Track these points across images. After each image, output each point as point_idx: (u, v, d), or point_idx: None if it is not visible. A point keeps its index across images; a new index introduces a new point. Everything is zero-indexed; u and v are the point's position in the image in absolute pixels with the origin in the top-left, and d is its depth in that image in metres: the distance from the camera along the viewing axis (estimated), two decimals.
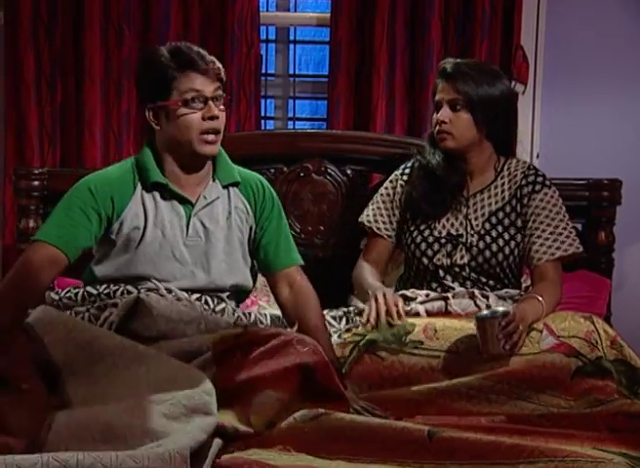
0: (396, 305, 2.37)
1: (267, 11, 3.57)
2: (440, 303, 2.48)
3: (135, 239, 2.37)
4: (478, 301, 2.48)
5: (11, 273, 2.29)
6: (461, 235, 2.59)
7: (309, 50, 4.11)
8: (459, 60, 2.61)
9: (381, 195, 2.73)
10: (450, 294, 2.50)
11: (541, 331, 2.27)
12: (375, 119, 3.32)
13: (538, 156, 3.42)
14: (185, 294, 2.34)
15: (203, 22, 3.33)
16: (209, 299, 2.39)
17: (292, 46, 3.64)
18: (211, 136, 2.34)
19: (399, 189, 2.70)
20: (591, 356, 2.22)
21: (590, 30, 3.37)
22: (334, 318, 2.50)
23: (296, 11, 3.67)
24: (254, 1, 3.33)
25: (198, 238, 2.40)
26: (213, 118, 2.33)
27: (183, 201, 2.40)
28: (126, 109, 3.31)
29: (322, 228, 3.05)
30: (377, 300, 2.39)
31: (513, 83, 3.31)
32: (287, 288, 2.46)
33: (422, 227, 2.63)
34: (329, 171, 3.05)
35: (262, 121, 3.50)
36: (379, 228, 2.70)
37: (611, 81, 3.38)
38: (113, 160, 3.25)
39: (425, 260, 2.61)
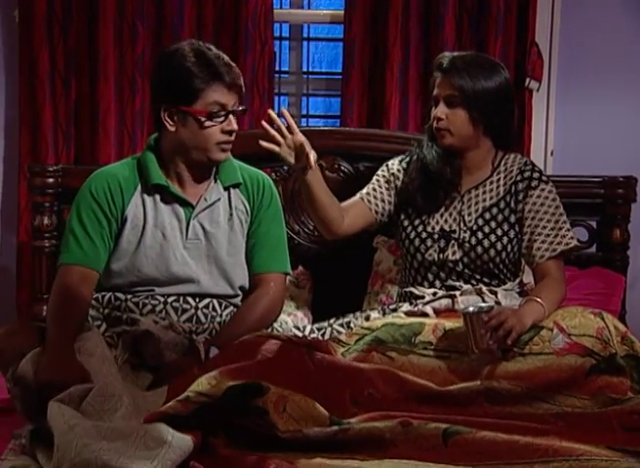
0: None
1: (281, 8, 3.57)
2: (447, 301, 2.48)
3: (133, 241, 2.39)
4: (486, 298, 2.47)
5: (52, 301, 2.32)
6: (454, 231, 2.56)
7: (323, 47, 4.11)
8: (455, 54, 2.58)
9: (377, 176, 2.71)
10: (457, 292, 2.50)
11: (552, 330, 2.25)
12: (388, 116, 3.31)
13: (552, 153, 3.41)
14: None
15: (217, 19, 3.34)
16: (215, 304, 2.41)
17: (305, 43, 3.64)
18: (227, 146, 2.39)
19: (396, 173, 2.67)
20: (604, 353, 2.20)
21: (605, 28, 3.36)
22: (341, 325, 2.51)
23: (309, 8, 3.68)
24: None
25: (198, 240, 2.41)
26: (231, 132, 2.37)
27: (184, 203, 2.41)
28: (140, 106, 3.32)
29: None
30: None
31: (528, 80, 3.31)
32: (257, 289, 2.45)
33: (416, 223, 2.61)
34: (342, 168, 3.05)
35: None
36: (369, 200, 2.66)
37: (626, 78, 3.37)
38: (127, 157, 3.27)
39: (419, 256, 2.59)
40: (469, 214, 2.57)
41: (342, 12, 3.37)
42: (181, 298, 2.39)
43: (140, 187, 2.42)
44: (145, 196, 2.41)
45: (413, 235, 2.60)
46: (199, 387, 1.94)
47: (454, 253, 2.55)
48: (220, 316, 2.41)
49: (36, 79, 3.28)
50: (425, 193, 2.59)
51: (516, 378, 2.18)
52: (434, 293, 2.53)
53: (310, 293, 2.98)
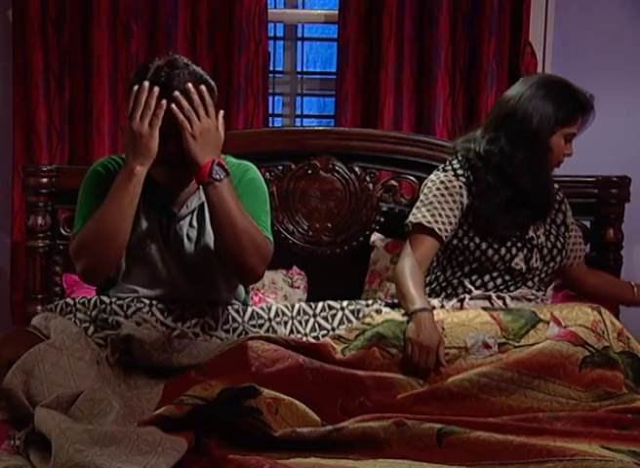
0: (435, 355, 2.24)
1: (275, 8, 3.57)
2: (456, 305, 2.50)
3: None
4: (494, 303, 2.50)
5: (77, 254, 2.25)
6: (532, 238, 2.58)
7: (317, 47, 4.10)
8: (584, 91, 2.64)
9: (435, 196, 2.56)
10: (467, 296, 2.51)
11: (548, 323, 2.27)
12: (382, 116, 3.31)
13: None
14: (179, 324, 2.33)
15: (211, 19, 3.33)
16: (203, 304, 2.38)
17: (300, 43, 3.63)
18: None
19: (459, 191, 2.55)
20: (598, 346, 2.21)
21: (599, 28, 3.36)
22: (352, 312, 2.47)
23: (304, 8, 3.67)
24: None
25: (179, 247, 2.36)
26: None
27: (167, 210, 2.37)
28: None
29: (330, 225, 3.05)
30: (413, 353, 2.23)
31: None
32: None
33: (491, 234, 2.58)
34: (336, 168, 3.05)
35: (270, 118, 3.50)
36: (439, 229, 2.53)
37: (619, 78, 3.37)
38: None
39: (500, 265, 2.55)
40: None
41: (337, 11, 3.37)
42: (167, 300, 2.37)
43: None
44: None
45: (497, 245, 2.55)
46: (193, 392, 1.96)
47: (537, 261, 2.57)
48: (210, 312, 2.38)
49: (30, 79, 3.27)
50: (510, 224, 2.55)
51: (512, 365, 2.17)
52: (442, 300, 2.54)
53: (305, 293, 2.98)
